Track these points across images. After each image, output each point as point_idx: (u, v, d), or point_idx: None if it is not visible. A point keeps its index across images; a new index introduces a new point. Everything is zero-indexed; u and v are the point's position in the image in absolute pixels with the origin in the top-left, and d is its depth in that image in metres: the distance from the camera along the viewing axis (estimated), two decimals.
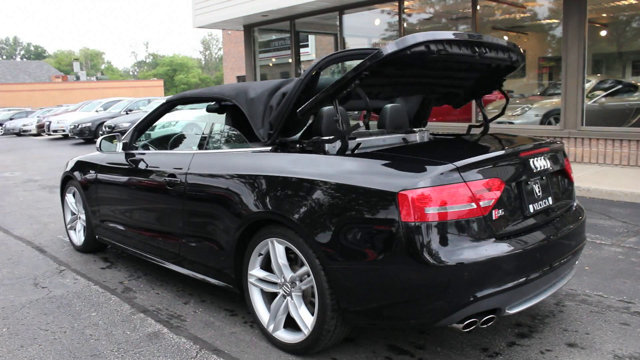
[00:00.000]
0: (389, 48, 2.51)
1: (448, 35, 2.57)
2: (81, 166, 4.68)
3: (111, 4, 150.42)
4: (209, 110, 3.76)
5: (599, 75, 8.99)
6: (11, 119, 27.80)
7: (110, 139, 4.43)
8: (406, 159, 2.64)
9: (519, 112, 9.59)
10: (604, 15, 8.81)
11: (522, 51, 3.15)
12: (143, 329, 3.19)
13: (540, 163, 2.80)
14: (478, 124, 3.68)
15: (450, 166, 2.37)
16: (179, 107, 6.61)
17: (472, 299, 2.32)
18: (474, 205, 2.36)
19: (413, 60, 2.64)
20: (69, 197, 4.92)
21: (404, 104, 3.70)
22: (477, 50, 2.73)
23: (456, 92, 3.54)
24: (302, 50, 13.73)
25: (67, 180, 4.94)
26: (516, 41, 8.51)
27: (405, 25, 10.90)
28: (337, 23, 12.09)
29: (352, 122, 3.04)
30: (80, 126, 17.58)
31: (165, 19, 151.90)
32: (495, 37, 2.92)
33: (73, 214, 4.94)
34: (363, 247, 2.43)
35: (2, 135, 26.26)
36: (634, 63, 8.74)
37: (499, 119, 3.67)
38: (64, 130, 19.82)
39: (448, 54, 2.57)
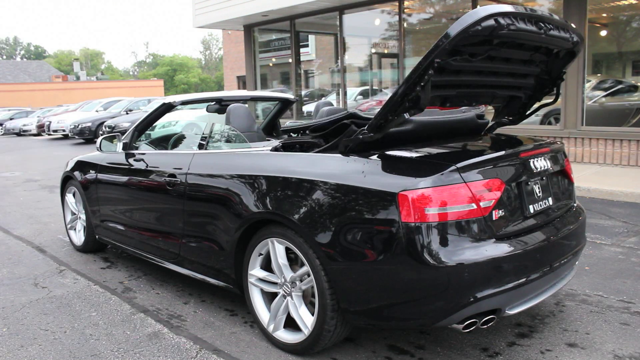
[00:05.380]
0: (457, 27, 2.25)
1: (513, 7, 2.41)
2: (81, 166, 4.68)
3: (111, 4, 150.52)
4: (209, 110, 3.75)
5: (599, 75, 8.99)
6: (11, 119, 27.79)
7: (110, 139, 4.43)
8: (406, 159, 2.64)
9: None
10: (604, 15, 8.81)
11: (581, 33, 2.98)
12: (143, 329, 3.19)
13: (541, 163, 2.80)
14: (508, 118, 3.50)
15: (450, 166, 2.37)
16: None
17: (472, 299, 2.32)
18: (474, 206, 2.36)
19: (480, 45, 2.46)
20: (69, 197, 4.92)
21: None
22: (542, 26, 2.57)
23: (518, 95, 3.33)
24: (302, 50, 13.72)
25: (67, 180, 4.94)
26: None
27: (405, 25, 10.90)
28: (337, 23, 12.09)
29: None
30: (80, 126, 17.59)
31: (165, 19, 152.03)
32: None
33: (73, 213, 4.94)
34: (363, 247, 2.43)
35: (2, 135, 26.25)
36: (634, 63, 8.74)
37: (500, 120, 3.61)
38: (64, 130, 19.81)
39: (517, 29, 2.39)
